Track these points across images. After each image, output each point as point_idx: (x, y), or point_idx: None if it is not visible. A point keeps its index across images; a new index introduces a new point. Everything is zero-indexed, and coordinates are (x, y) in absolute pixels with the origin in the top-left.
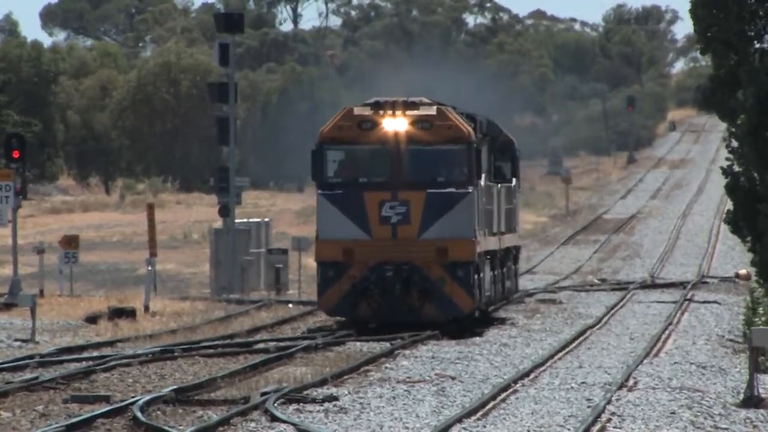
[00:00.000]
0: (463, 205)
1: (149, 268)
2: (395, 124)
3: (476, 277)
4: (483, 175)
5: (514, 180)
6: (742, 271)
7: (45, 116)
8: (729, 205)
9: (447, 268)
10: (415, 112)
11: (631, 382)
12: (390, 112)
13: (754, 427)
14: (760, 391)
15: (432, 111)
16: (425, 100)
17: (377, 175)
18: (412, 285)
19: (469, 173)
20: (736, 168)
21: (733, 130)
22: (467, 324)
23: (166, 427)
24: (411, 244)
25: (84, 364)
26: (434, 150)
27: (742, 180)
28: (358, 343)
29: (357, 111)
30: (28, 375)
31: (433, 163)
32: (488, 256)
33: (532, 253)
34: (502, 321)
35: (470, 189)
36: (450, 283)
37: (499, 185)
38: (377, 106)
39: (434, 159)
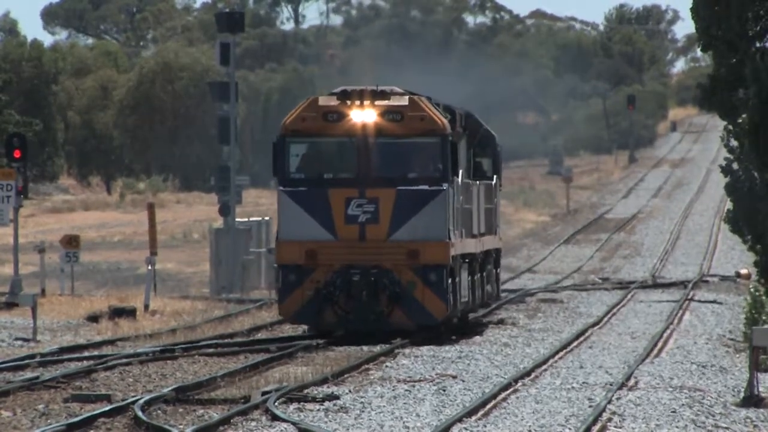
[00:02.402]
0: (436, 203)
1: (149, 266)
2: (363, 116)
3: (451, 281)
4: (460, 172)
5: (495, 178)
6: (743, 271)
7: (46, 116)
8: (729, 204)
9: (418, 271)
10: (385, 102)
11: (632, 382)
12: (357, 102)
13: (755, 426)
14: (761, 390)
15: (403, 101)
16: (396, 89)
17: (343, 171)
18: (380, 290)
19: (444, 169)
20: (735, 167)
21: (732, 128)
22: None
23: (166, 426)
24: (380, 245)
25: (85, 363)
26: (405, 143)
27: (742, 179)
28: None
29: (322, 101)
30: (28, 374)
31: (405, 157)
32: (465, 260)
33: (533, 252)
34: (502, 321)
35: (444, 186)
36: (421, 288)
37: (479, 183)
38: (344, 96)
39: (405, 153)
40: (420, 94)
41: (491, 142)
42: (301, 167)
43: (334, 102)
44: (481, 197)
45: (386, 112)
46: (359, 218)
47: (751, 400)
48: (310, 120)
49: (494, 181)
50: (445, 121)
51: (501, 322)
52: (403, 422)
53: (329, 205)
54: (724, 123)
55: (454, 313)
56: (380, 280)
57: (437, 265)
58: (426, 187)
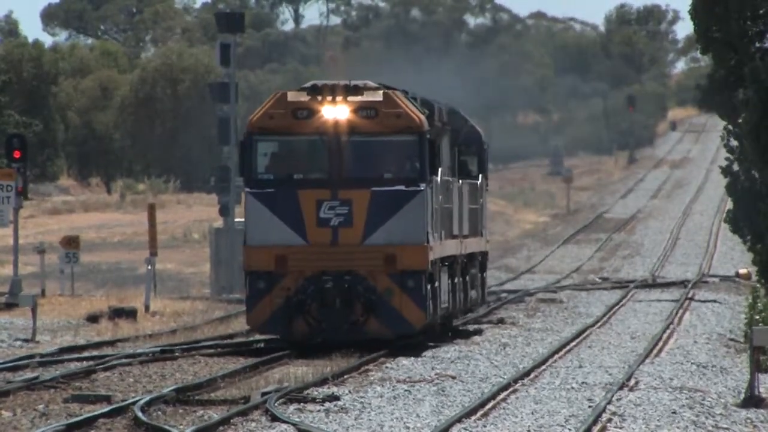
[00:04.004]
0: (413, 204)
1: (149, 267)
2: (335, 112)
3: (430, 287)
4: (439, 170)
5: (481, 177)
6: (743, 270)
7: (46, 116)
8: (729, 204)
9: (395, 277)
10: (359, 98)
11: (632, 382)
12: (329, 97)
13: (755, 427)
14: (761, 390)
15: (378, 96)
16: (371, 83)
17: (314, 171)
18: (354, 297)
19: (422, 168)
20: (735, 167)
21: (731, 128)
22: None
23: (166, 427)
24: (354, 250)
25: (85, 363)
26: (380, 141)
27: (742, 179)
28: None
29: (291, 97)
30: (28, 374)
31: (379, 156)
32: (446, 263)
33: (533, 252)
34: (501, 321)
35: (422, 186)
36: (399, 295)
37: (461, 182)
38: (314, 91)
39: (380, 152)
40: (396, 88)
41: (477, 139)
42: (270, 167)
43: (304, 98)
44: (465, 197)
45: (360, 108)
46: (332, 221)
47: (751, 400)
48: (279, 117)
49: (480, 181)
50: (423, 117)
51: (500, 321)
52: (403, 422)
53: (299, 207)
54: (724, 123)
55: (434, 320)
56: (354, 287)
57: (415, 271)
58: (402, 187)
